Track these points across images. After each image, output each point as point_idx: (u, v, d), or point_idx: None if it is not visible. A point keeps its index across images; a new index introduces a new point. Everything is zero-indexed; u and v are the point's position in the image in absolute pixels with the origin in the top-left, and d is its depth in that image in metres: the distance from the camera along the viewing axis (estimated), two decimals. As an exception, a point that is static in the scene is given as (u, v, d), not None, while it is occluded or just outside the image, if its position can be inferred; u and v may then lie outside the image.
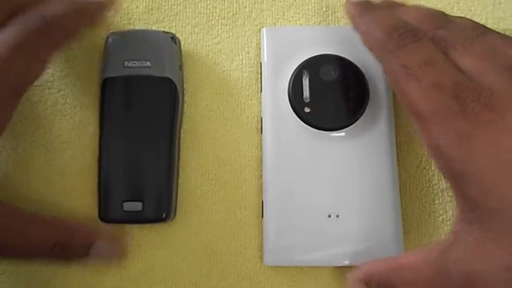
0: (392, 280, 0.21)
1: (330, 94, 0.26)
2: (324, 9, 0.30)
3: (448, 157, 0.20)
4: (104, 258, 0.24)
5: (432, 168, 0.28)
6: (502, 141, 0.19)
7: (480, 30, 0.23)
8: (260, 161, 0.28)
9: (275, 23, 0.30)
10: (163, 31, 0.28)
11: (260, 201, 0.27)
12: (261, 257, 0.27)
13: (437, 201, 0.27)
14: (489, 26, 0.29)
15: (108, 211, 0.26)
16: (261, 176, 0.27)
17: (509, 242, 0.18)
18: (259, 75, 0.28)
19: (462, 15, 0.30)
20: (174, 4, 0.30)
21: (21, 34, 0.21)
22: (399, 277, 0.21)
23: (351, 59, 0.27)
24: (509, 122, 0.19)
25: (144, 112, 0.26)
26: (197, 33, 0.30)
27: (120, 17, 0.29)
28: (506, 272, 0.18)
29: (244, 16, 0.30)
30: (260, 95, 0.28)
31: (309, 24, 0.30)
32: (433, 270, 0.20)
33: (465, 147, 0.19)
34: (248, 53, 0.29)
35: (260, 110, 0.28)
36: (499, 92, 0.20)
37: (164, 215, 0.26)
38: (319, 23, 0.30)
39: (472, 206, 0.20)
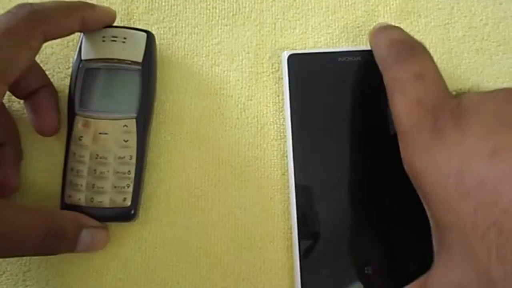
0: None
1: None
2: (324, 9, 0.30)
3: (416, 172, 0.20)
4: (91, 245, 0.25)
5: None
6: (455, 158, 0.18)
7: None
8: (260, 161, 0.28)
9: (274, 23, 0.30)
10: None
11: (260, 201, 0.27)
12: (261, 258, 0.27)
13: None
14: (489, 26, 0.29)
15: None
16: (260, 176, 0.27)
17: (457, 260, 0.17)
18: (259, 75, 0.28)
19: (462, 16, 0.30)
20: (174, 5, 0.30)
21: (10, 20, 0.21)
22: None
23: None
24: (468, 143, 0.18)
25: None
26: (197, 34, 0.30)
27: (121, 18, 0.29)
28: None
29: (244, 17, 0.30)
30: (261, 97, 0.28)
31: (310, 24, 0.30)
32: None
33: (425, 161, 0.19)
34: (248, 53, 0.29)
35: (260, 110, 0.28)
36: (470, 110, 0.19)
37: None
38: (319, 23, 0.30)
39: (434, 222, 0.19)
